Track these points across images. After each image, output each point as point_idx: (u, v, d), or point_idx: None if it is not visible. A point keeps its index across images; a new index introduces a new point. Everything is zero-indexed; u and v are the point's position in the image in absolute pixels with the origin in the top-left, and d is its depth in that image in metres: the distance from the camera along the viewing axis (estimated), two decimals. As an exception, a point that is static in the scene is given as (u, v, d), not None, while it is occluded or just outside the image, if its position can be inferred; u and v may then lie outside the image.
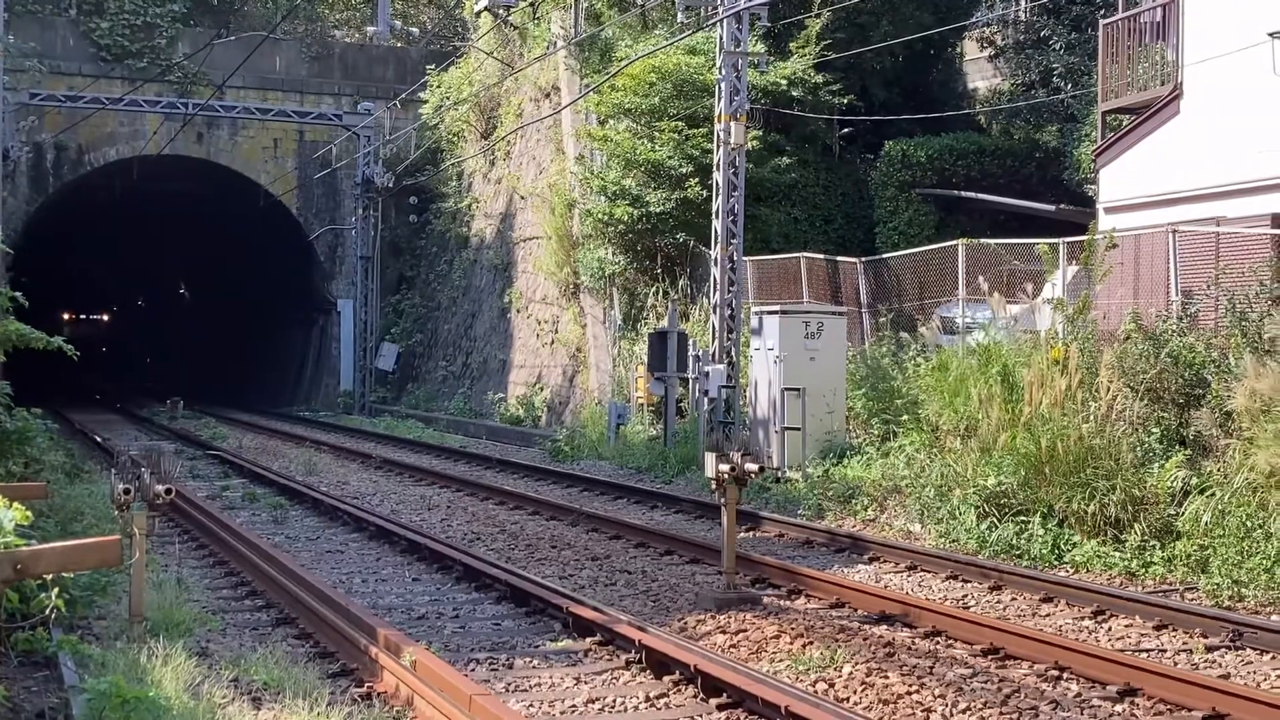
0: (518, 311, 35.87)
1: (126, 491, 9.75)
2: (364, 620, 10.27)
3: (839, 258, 26.18)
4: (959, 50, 34.86)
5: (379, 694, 9.03)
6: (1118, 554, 13.68)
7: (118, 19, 41.51)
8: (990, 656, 10.23)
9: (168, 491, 9.79)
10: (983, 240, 21.65)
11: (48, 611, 8.00)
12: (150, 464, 9.95)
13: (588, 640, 10.56)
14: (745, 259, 24.01)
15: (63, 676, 8.51)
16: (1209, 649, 10.50)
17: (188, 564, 14.31)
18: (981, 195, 27.42)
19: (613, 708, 8.87)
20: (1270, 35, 18.36)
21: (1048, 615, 11.92)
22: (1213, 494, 13.43)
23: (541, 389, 33.06)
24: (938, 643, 10.74)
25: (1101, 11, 25.21)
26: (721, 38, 23.05)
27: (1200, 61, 19.55)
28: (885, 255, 25.78)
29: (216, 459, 26.32)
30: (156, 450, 10.30)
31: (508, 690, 9.23)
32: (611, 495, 20.39)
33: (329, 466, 25.18)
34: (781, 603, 12.27)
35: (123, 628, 10.05)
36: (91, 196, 44.80)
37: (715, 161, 23.29)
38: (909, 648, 10.48)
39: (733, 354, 22.93)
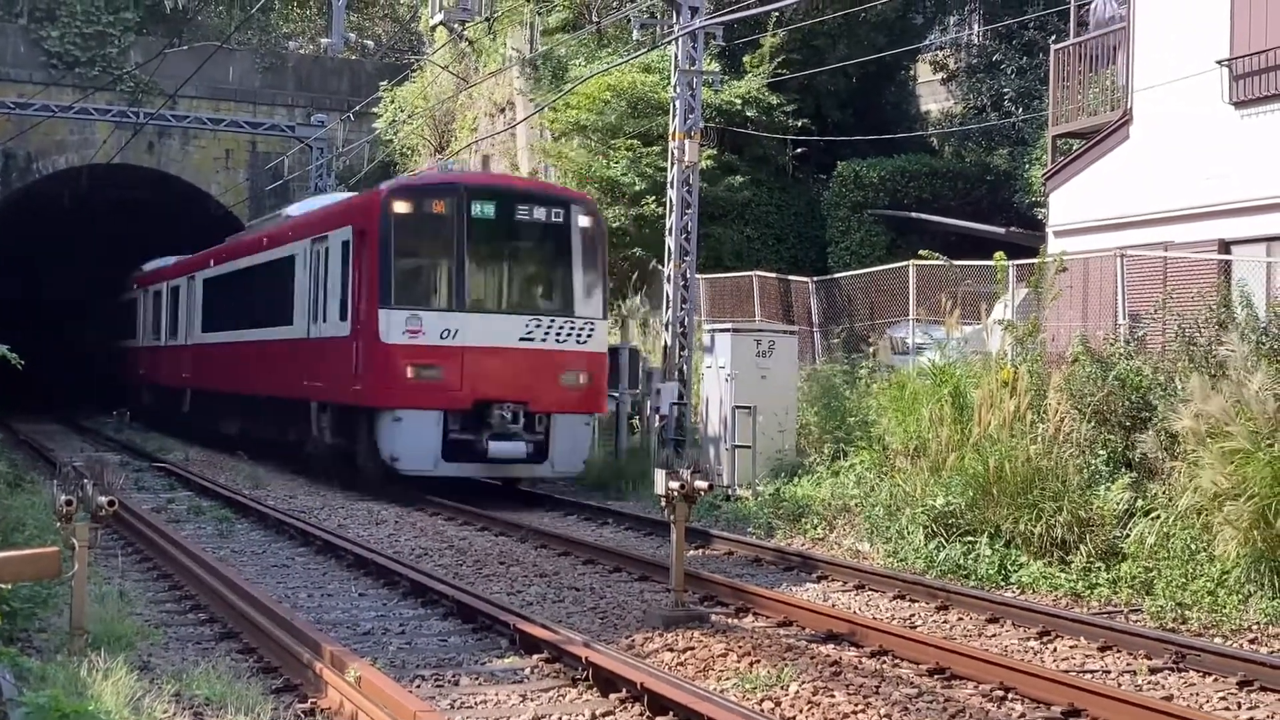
0: (470, 326, 35.53)
1: (69, 503, 9.64)
2: (309, 635, 10.18)
3: (791, 277, 26.30)
4: (912, 73, 35.13)
5: (323, 710, 8.95)
6: (1064, 575, 13.75)
7: (69, 27, 41.14)
8: (936, 676, 10.25)
9: (110, 503, 9.69)
10: (935, 255, 21.78)
11: (-16, 623, 7.89)
12: (94, 475, 9.85)
13: (534, 657, 10.51)
14: (698, 276, 24.06)
15: (1, 689, 8.39)
16: (1153, 670, 10.56)
17: (131, 577, 14.13)
18: (933, 217, 27.60)
19: (558, 725, 8.82)
20: (1218, 63, 18.59)
21: (994, 635, 11.96)
22: (1158, 516, 13.54)
23: (493, 404, 32.82)
24: (884, 662, 10.76)
25: (1053, 37, 25.44)
26: (676, 56, 23.11)
27: (1149, 88, 19.76)
28: (837, 275, 25.91)
29: (163, 472, 26.07)
30: (100, 461, 10.20)
31: (453, 707, 9.17)
32: (561, 511, 20.34)
33: (276, 480, 24.99)
34: (729, 621, 12.26)
35: (63, 641, 9.92)
36: (41, 205, 44.38)
37: (669, 179, 23.34)
38: (855, 667, 10.49)
39: (685, 371, 22.94)
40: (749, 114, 28.20)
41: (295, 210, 29.24)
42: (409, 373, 20.40)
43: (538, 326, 20.79)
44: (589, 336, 21.17)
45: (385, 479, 21.37)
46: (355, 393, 21.55)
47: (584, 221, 21.58)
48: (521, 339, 20.66)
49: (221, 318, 31.88)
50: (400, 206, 21.04)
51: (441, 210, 21.09)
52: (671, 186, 23.16)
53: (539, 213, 21.45)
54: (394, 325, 20.51)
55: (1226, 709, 9.63)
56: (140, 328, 41.58)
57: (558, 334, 20.84)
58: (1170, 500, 13.62)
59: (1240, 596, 12.30)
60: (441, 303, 21.16)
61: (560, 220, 21.45)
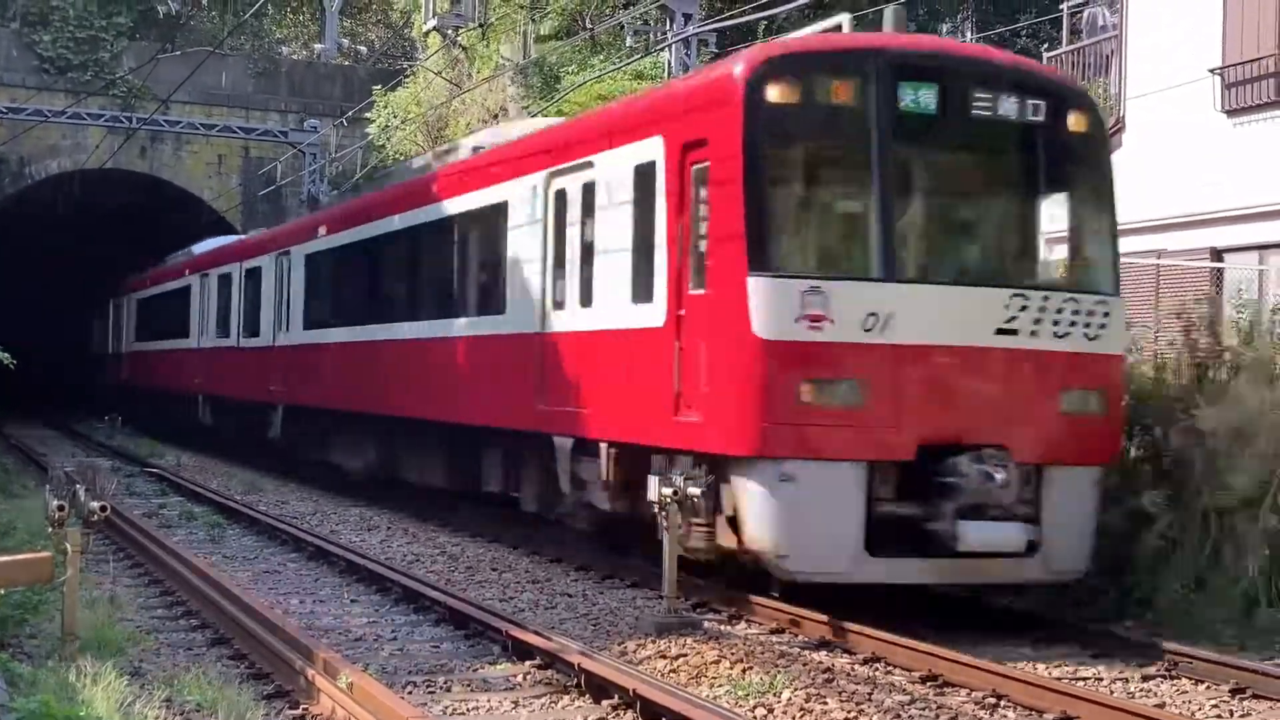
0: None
1: (61, 508, 9.63)
2: (300, 641, 10.16)
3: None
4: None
5: (314, 716, 8.94)
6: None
7: (61, 31, 41.09)
8: (929, 683, 10.24)
9: (102, 508, 9.68)
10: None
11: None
12: (85, 480, 9.84)
13: (527, 663, 10.49)
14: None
15: (-9, 695, 8.37)
16: (1145, 678, 10.57)
17: (122, 582, 14.13)
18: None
19: (551, 732, 8.80)
20: (1210, 71, 18.63)
21: (986, 643, 11.94)
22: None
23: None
24: (877, 669, 10.75)
25: (1045, 45, 25.48)
26: (670, 63, 23.12)
27: (1142, 96, 19.80)
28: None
29: (154, 477, 26.03)
30: (91, 467, 10.19)
31: (445, 714, 9.15)
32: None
33: (268, 485, 24.96)
34: (722, 627, 12.25)
35: (54, 646, 9.91)
36: (33, 209, 44.35)
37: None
38: (848, 674, 10.48)
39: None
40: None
41: (493, 137, 19.74)
42: (805, 393, 11.69)
43: (1023, 309, 12.10)
44: (1102, 327, 12.50)
45: (742, 583, 13.09)
46: (681, 428, 12.65)
47: (1080, 122, 12.88)
48: (999, 331, 12.03)
49: (342, 308, 23.40)
50: (778, 92, 11.97)
51: (846, 98, 12.24)
52: (665, 193, 23.10)
53: (1008, 105, 12.48)
54: (779, 306, 11.70)
55: (1219, 716, 9.64)
56: (196, 325, 33.66)
57: (1056, 321, 12.22)
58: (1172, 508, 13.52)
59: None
60: (859, 266, 12.34)
61: (1044, 119, 12.65)
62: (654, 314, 13.09)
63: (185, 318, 34.51)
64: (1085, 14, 23.00)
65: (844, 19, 13.79)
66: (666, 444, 12.94)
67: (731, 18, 24.24)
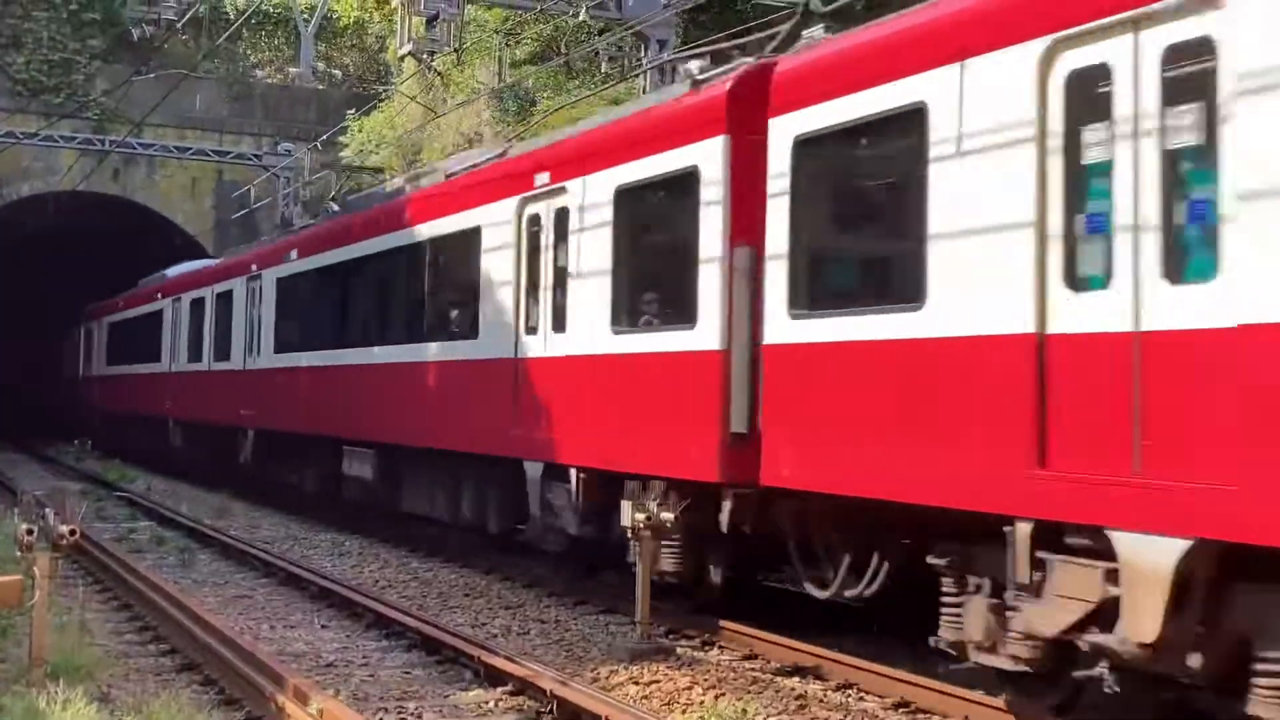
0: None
1: (30, 532, 9.57)
2: (270, 667, 10.10)
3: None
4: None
5: (285, 742, 8.89)
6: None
7: (34, 53, 40.95)
8: (901, 710, 10.25)
9: (71, 533, 9.62)
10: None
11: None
12: (55, 505, 9.78)
13: (499, 690, 10.45)
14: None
15: (-43, 721, 8.30)
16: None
17: (92, 607, 14.01)
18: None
19: (523, 758, 8.76)
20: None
21: (960, 670, 11.94)
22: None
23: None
24: (849, 695, 10.74)
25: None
26: (644, 89, 23.17)
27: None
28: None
29: (125, 501, 25.87)
30: (61, 491, 10.14)
31: (417, 740, 9.11)
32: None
33: (240, 510, 24.84)
34: (695, 654, 12.23)
35: (22, 671, 9.83)
36: (5, 231, 44.17)
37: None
38: (820, 700, 10.47)
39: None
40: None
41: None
42: None
43: None
44: None
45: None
46: None
47: None
48: None
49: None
50: None
51: None
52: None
53: None
54: None
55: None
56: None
57: None
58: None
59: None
60: None
61: None
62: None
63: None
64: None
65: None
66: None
67: (704, 45, 24.29)
